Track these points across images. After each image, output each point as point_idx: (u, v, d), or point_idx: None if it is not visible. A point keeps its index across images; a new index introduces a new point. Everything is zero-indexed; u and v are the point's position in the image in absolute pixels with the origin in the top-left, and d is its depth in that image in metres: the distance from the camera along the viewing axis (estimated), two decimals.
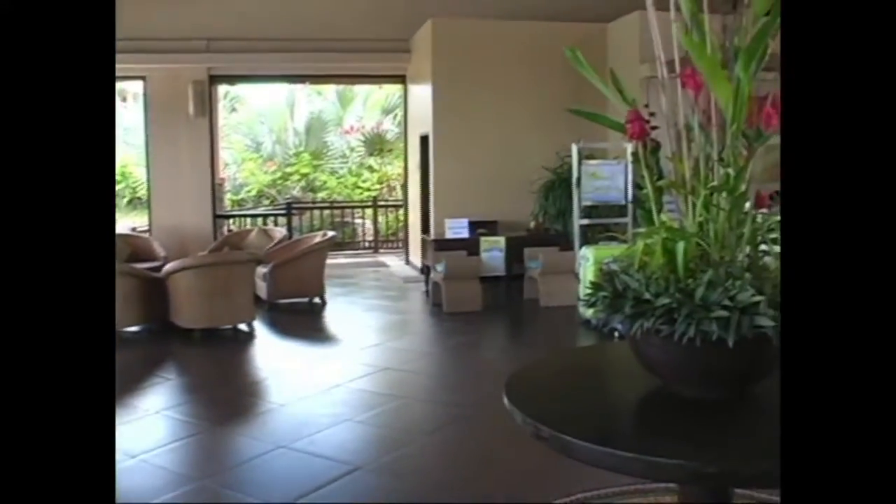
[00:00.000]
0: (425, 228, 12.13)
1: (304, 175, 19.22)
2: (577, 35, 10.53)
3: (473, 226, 10.74)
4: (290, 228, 13.75)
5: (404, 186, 14.50)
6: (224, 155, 16.54)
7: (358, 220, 17.48)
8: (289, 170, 19.34)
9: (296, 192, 18.93)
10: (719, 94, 2.08)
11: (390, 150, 19.12)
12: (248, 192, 19.05)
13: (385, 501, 4.13)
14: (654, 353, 2.17)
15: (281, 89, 19.16)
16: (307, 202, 18.17)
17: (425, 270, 11.02)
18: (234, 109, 19.82)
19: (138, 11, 10.42)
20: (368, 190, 18.95)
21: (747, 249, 2.16)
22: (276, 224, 14.04)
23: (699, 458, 1.81)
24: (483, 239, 10.31)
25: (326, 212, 17.19)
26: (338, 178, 19.50)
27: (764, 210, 2.21)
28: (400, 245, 15.33)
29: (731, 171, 2.10)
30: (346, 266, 13.54)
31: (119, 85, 15.08)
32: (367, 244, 16.65)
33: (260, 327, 8.60)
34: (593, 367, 2.87)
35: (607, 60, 10.58)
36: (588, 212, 9.65)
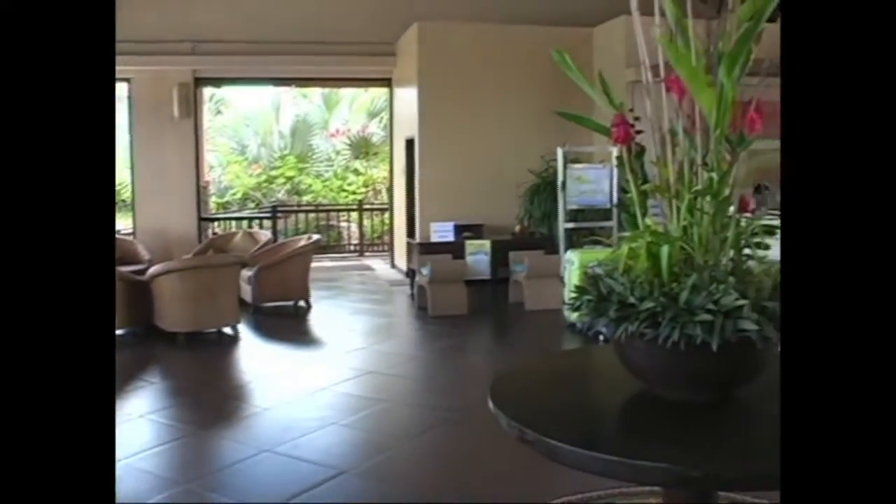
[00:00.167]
0: (411, 232, 12.13)
1: (290, 178, 19.18)
2: (562, 39, 10.51)
3: (459, 229, 10.76)
4: (275, 231, 13.70)
5: (390, 190, 14.48)
6: (209, 157, 16.50)
7: (343, 224, 17.46)
8: (274, 173, 19.29)
9: (281, 195, 18.88)
10: (701, 100, 2.09)
11: (376, 154, 19.10)
12: (233, 194, 18.98)
13: None
14: (638, 357, 2.18)
15: (266, 92, 19.10)
16: (292, 205, 18.15)
17: (411, 274, 11.00)
18: (219, 112, 19.74)
19: (123, 13, 10.24)
20: (354, 193, 18.93)
21: (731, 253, 2.17)
22: (261, 227, 13.99)
23: (683, 461, 1.82)
24: (468, 242, 10.32)
25: (312, 215, 17.17)
26: (323, 182, 19.47)
27: (747, 214, 2.22)
28: (385, 248, 15.32)
29: (714, 175, 2.11)
30: (331, 269, 13.52)
31: None
32: (352, 247, 16.63)
33: (244, 331, 8.58)
34: (578, 370, 2.87)
35: (593, 65, 10.59)
36: (573, 215, 9.66)
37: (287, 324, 9.43)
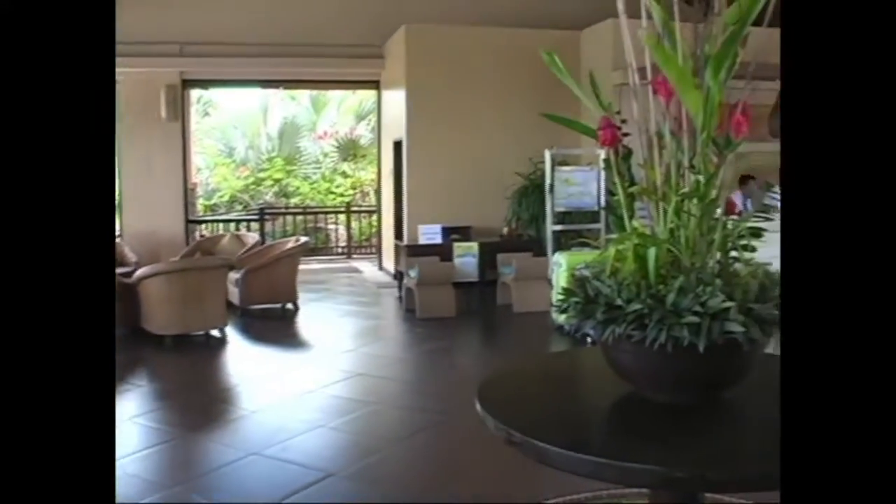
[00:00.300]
0: (398, 234, 12.12)
1: (278, 180, 19.14)
2: (550, 42, 10.49)
3: (447, 231, 10.76)
4: (262, 234, 13.69)
5: (378, 192, 14.48)
6: (197, 160, 16.44)
7: (331, 226, 17.44)
8: (262, 175, 19.24)
9: (269, 198, 18.84)
10: (688, 102, 2.10)
11: (364, 156, 19.08)
12: (221, 197, 18.93)
13: None
14: (625, 359, 2.19)
15: (254, 94, 19.07)
16: (280, 207, 18.12)
17: (398, 276, 11.00)
18: (207, 114, 19.67)
19: None
20: (342, 195, 18.91)
21: (718, 255, 2.18)
22: (248, 229, 13.96)
23: (670, 462, 1.82)
24: (456, 244, 10.31)
25: (299, 217, 17.15)
26: (311, 184, 19.44)
27: (734, 216, 2.23)
28: (373, 251, 15.30)
29: (701, 177, 2.12)
30: (319, 272, 13.50)
31: None
32: (340, 250, 16.61)
33: (232, 333, 8.56)
34: (566, 372, 2.88)
35: (580, 67, 10.61)
36: (561, 218, 9.68)
37: (275, 326, 9.42)
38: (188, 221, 12.89)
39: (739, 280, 2.09)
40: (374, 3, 11.86)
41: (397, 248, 11.63)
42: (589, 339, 6.29)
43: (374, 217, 15.01)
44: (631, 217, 2.29)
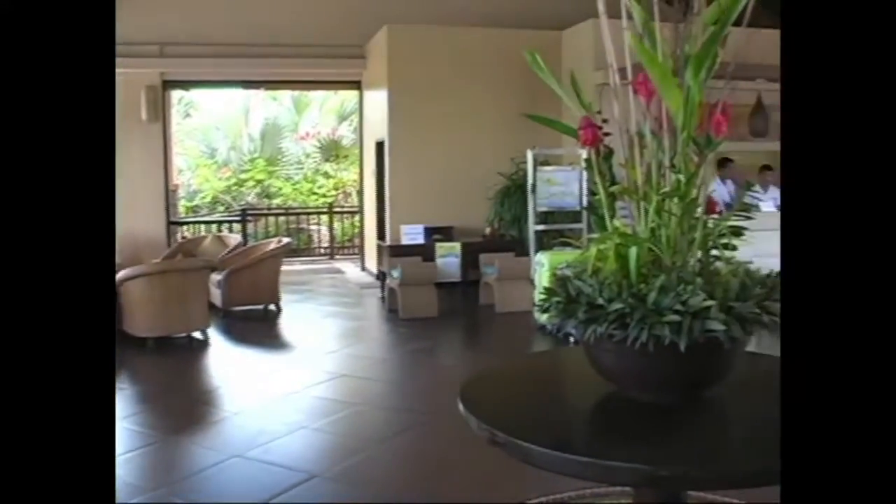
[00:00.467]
0: (381, 234, 12.11)
1: (260, 181, 19.07)
2: (532, 42, 10.45)
3: (429, 232, 10.76)
4: (244, 235, 13.63)
5: (360, 192, 14.46)
6: (178, 161, 16.35)
7: (313, 227, 17.39)
8: (244, 176, 19.16)
9: (251, 199, 18.76)
10: (670, 102, 2.11)
11: (346, 157, 19.04)
12: (203, 198, 18.83)
13: None
14: (607, 358, 2.19)
15: (236, 95, 18.99)
16: (262, 208, 18.05)
17: (381, 276, 11.00)
18: (188, 115, 19.58)
19: None
20: (324, 196, 18.86)
21: (699, 254, 2.19)
22: (230, 231, 13.90)
23: (653, 461, 1.83)
24: (439, 245, 10.32)
25: (282, 218, 17.09)
26: (293, 185, 19.38)
27: (714, 215, 2.24)
28: (356, 251, 15.27)
29: (682, 177, 2.13)
30: (301, 273, 13.47)
31: None
32: (322, 250, 16.58)
33: (214, 335, 8.51)
34: (548, 372, 2.88)
35: (562, 67, 10.63)
36: (543, 218, 9.69)
37: (257, 328, 9.38)
38: (170, 223, 12.84)
39: (720, 279, 2.10)
40: (355, 3, 11.82)
41: (380, 249, 11.62)
42: (571, 339, 6.30)
43: (357, 218, 14.99)
44: (612, 216, 2.30)
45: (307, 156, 19.71)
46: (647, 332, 1.98)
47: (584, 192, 9.41)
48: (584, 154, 8.01)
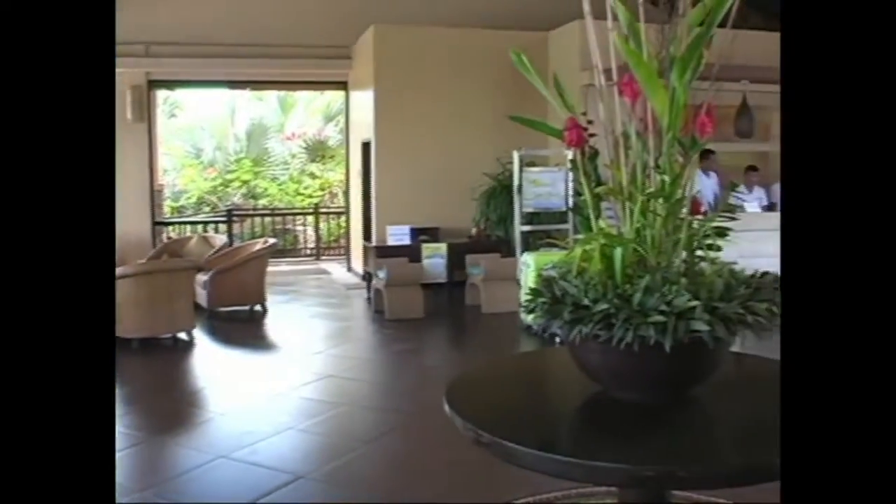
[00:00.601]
0: (367, 235, 12.10)
1: (245, 182, 19.00)
2: (518, 43, 10.44)
3: (415, 232, 10.76)
4: (230, 236, 13.60)
5: (346, 193, 14.44)
6: (163, 161, 16.31)
7: (299, 227, 17.36)
8: (229, 176, 19.09)
9: (237, 199, 18.69)
10: (655, 103, 2.11)
11: (332, 157, 19.01)
12: (188, 198, 18.77)
13: None
14: (592, 359, 2.20)
15: (222, 95, 18.92)
16: (248, 209, 17.98)
17: (367, 277, 10.98)
18: (173, 115, 19.50)
19: None
20: (310, 197, 18.82)
21: (683, 255, 2.20)
22: (216, 231, 13.86)
23: (638, 461, 1.84)
24: (425, 246, 10.32)
25: (268, 219, 17.05)
26: (279, 185, 19.33)
27: (699, 216, 2.25)
28: (342, 252, 15.26)
29: (667, 177, 2.14)
30: (287, 273, 13.43)
31: None
32: (308, 251, 16.56)
33: (200, 336, 8.48)
34: (534, 372, 2.89)
35: (548, 68, 10.64)
36: (529, 218, 9.70)
37: (243, 328, 9.36)
38: (155, 223, 12.78)
39: (705, 279, 2.11)
40: (341, 3, 11.80)
41: (366, 250, 11.61)
42: (557, 339, 6.31)
43: (343, 218, 14.97)
44: (597, 217, 2.31)
45: (293, 156, 19.67)
46: (633, 333, 1.98)
47: (570, 192, 9.42)
48: (569, 155, 7.99)
